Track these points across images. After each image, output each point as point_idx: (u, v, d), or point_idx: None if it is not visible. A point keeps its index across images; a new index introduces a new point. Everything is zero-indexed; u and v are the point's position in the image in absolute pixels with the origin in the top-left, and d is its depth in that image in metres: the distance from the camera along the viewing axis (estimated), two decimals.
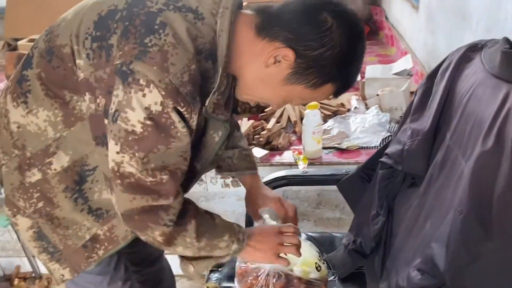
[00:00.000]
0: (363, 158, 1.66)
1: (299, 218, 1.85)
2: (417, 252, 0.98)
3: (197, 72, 0.79)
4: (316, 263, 1.18)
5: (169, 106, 0.76)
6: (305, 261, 1.17)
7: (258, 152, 1.69)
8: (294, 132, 1.88)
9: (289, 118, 1.93)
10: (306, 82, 0.85)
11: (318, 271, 1.15)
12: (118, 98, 0.78)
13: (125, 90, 0.76)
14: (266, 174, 1.69)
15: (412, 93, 2.07)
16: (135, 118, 0.77)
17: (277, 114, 1.94)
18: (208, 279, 1.28)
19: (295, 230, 1.06)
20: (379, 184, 1.20)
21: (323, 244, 1.38)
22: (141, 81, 0.75)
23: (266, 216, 1.11)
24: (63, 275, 1.03)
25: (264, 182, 1.38)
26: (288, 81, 0.85)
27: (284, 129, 1.86)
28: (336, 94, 0.92)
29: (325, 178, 1.36)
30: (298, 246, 1.04)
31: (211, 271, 1.31)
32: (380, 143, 1.73)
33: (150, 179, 0.82)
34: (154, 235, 0.87)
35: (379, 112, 1.89)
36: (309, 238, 1.41)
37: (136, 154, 0.80)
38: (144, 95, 0.75)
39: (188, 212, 0.91)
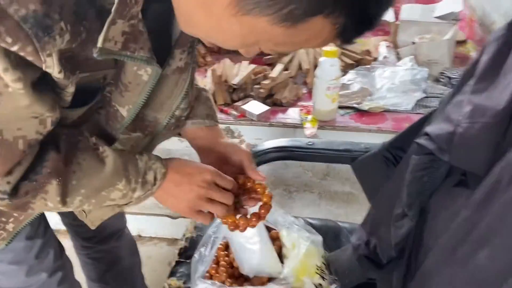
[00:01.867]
0: (388, 124, 1.31)
1: (302, 188, 1.54)
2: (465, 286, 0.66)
3: None
4: (317, 269, 0.87)
5: None
6: (303, 266, 0.87)
7: (257, 107, 1.34)
8: (305, 84, 1.51)
9: (300, 65, 1.55)
10: (271, 11, 0.48)
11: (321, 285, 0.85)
12: None
13: None
14: (265, 137, 1.35)
15: (459, 43, 1.66)
16: None
17: (286, 59, 1.56)
18: (171, 274, 0.99)
19: (232, 185, 0.75)
20: (411, 174, 0.85)
21: (326, 236, 1.06)
22: None
23: None
24: None
25: (258, 151, 1.05)
26: (240, 8, 0.49)
27: (292, 79, 1.49)
28: (345, 36, 0.51)
29: (336, 154, 1.02)
30: (227, 208, 0.74)
31: (177, 263, 1.02)
32: (413, 107, 1.36)
33: None
34: None
35: (414, 65, 1.50)
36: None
37: None
38: None
39: (45, 169, 0.61)
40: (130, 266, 1.21)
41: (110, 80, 0.64)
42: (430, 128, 0.85)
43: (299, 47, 0.55)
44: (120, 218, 1.17)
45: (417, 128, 0.94)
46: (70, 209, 0.66)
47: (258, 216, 0.78)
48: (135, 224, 1.70)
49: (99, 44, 0.52)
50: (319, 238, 0.93)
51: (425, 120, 0.92)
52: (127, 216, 1.67)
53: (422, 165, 0.84)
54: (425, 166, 0.84)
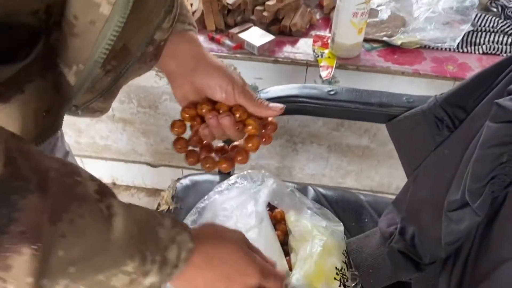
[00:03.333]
0: (426, 66, 1.01)
1: (309, 140, 1.26)
2: None
3: None
4: (338, 273, 0.64)
5: None
6: (318, 269, 0.63)
7: (258, 36, 1.03)
8: (320, 7, 1.19)
9: None
10: None
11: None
12: None
13: None
14: (268, 76, 1.06)
15: None
16: None
17: None
18: None
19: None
20: (483, 149, 0.59)
21: (343, 212, 0.82)
22: None
23: None
24: None
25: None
26: None
27: (305, 1, 1.16)
28: None
29: (368, 109, 0.74)
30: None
31: None
32: (459, 44, 1.06)
33: None
34: None
35: None
36: (316, 198, 0.84)
37: None
38: None
39: (15, 225, 0.32)
40: None
41: (59, 16, 0.36)
42: None
43: None
44: None
45: (487, 81, 0.67)
46: None
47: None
48: (108, 170, 1.45)
49: None
50: (339, 228, 0.69)
51: (503, 69, 0.64)
52: (98, 162, 1.43)
53: (502, 137, 0.58)
54: (508, 139, 0.57)
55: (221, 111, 0.53)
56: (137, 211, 0.41)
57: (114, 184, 1.49)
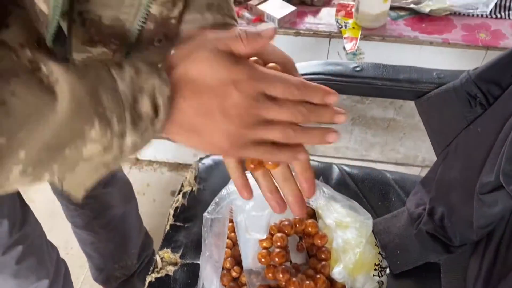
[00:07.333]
0: (457, 35, 0.96)
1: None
2: None
3: None
4: (376, 266, 0.63)
5: None
6: (358, 258, 0.62)
7: (278, 8, 0.99)
8: None
9: None
10: None
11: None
12: None
13: None
14: (289, 49, 1.02)
15: None
16: None
17: None
18: (164, 242, 0.76)
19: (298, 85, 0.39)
20: None
21: (369, 191, 0.81)
22: None
23: None
24: None
25: None
26: None
27: None
28: None
29: (395, 86, 0.71)
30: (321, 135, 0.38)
31: (172, 228, 0.78)
32: (492, 10, 1.00)
33: None
34: None
35: None
36: (341, 177, 0.82)
37: None
38: None
39: None
40: (123, 213, 0.99)
41: None
42: None
43: None
44: None
45: None
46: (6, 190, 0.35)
47: None
48: None
49: None
50: (369, 221, 0.67)
51: None
52: None
53: None
54: None
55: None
56: (83, 71, 0.35)
57: (137, 159, 1.50)
